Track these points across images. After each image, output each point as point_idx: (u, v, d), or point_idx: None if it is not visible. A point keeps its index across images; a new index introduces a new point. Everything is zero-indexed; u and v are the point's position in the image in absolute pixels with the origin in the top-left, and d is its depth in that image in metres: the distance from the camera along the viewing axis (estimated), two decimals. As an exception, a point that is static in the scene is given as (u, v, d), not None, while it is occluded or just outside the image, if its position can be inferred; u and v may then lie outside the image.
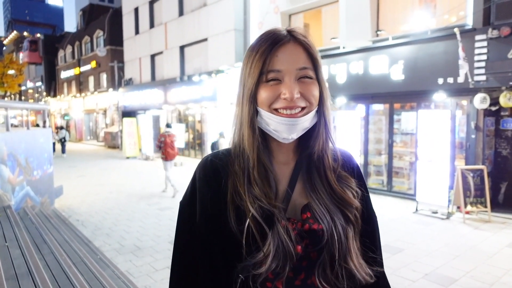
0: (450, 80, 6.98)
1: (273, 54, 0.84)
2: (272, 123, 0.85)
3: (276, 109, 0.84)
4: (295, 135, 0.85)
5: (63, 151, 18.53)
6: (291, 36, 0.86)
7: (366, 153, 8.87)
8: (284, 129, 0.84)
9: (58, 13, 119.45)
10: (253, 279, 0.79)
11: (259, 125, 0.87)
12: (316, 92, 0.86)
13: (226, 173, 0.87)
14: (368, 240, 0.94)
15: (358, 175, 0.98)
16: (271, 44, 0.85)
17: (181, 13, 16.64)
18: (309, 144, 0.91)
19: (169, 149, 8.88)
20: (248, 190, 0.83)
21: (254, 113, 0.87)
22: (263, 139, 0.89)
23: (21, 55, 38.89)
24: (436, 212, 6.75)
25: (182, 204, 0.93)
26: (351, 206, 0.90)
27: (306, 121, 0.86)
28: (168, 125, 9.73)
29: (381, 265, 0.96)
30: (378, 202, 7.60)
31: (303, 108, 0.84)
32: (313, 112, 0.87)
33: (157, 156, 16.51)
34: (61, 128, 20.38)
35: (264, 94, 0.84)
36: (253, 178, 0.85)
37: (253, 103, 0.86)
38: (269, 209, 0.81)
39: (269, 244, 0.79)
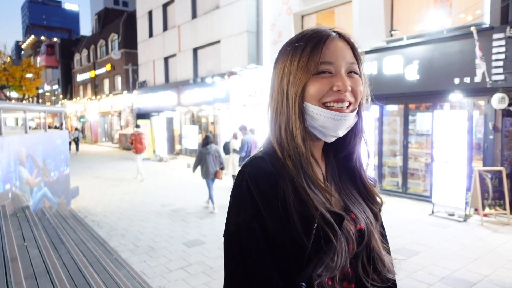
0: (467, 80, 6.85)
1: (325, 47, 0.83)
2: (320, 119, 0.82)
3: (324, 103, 0.82)
4: (341, 132, 0.84)
5: (77, 149, 21.56)
6: (337, 33, 0.87)
7: (380, 154, 8.77)
8: (332, 125, 0.82)
9: (74, 17, 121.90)
10: (319, 283, 0.78)
11: (306, 123, 0.85)
12: (361, 89, 0.86)
13: (280, 174, 0.81)
14: (383, 238, 0.99)
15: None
16: (321, 37, 0.84)
17: (194, 15, 16.77)
18: (347, 144, 0.92)
19: (138, 145, 11.15)
20: (309, 189, 0.80)
21: (304, 109, 0.84)
22: None
23: (38, 59, 39.85)
24: (453, 215, 6.62)
25: (247, 221, 0.78)
26: (377, 201, 0.94)
27: (351, 119, 0.85)
28: (137, 126, 12.78)
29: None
30: (393, 204, 7.50)
31: (349, 104, 0.83)
32: (355, 110, 0.86)
33: (171, 158, 16.71)
34: (76, 129, 23.39)
35: (315, 87, 0.82)
36: (311, 176, 0.83)
37: (301, 98, 0.83)
38: (335, 211, 0.81)
39: (337, 249, 0.79)
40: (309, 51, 0.83)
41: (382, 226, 1.00)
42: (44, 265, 3.47)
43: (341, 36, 0.87)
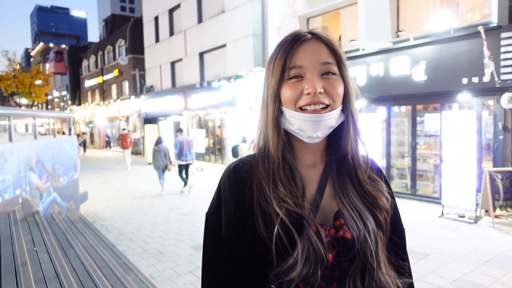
0: (475, 79, 6.78)
1: (295, 51, 0.83)
2: (296, 122, 0.83)
3: (301, 108, 0.82)
4: (320, 133, 0.83)
5: (84, 150, 24.25)
6: (313, 34, 0.85)
7: (388, 156, 8.71)
8: (309, 126, 0.81)
9: (81, 24, 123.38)
10: (286, 286, 0.76)
11: (283, 126, 0.86)
12: (340, 90, 0.84)
13: (251, 177, 0.85)
14: (397, 249, 0.90)
15: (385, 181, 0.95)
16: (291, 42, 0.84)
17: (200, 20, 16.88)
18: (339, 145, 0.88)
19: (124, 142, 15.18)
20: (273, 191, 0.81)
21: (278, 113, 0.85)
22: (288, 141, 0.87)
23: (47, 65, 40.36)
24: (463, 216, 6.53)
25: (208, 215, 0.91)
26: (382, 209, 0.87)
27: (331, 119, 0.83)
28: (124, 129, 18.31)
29: (411, 276, 0.93)
30: (402, 206, 7.43)
31: (326, 106, 0.82)
32: (337, 110, 0.84)
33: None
34: (83, 133, 26.72)
35: (287, 93, 0.83)
36: (278, 178, 0.83)
37: (277, 103, 0.85)
38: (299, 213, 0.79)
39: (299, 249, 0.76)
40: (280, 57, 0.84)
41: (393, 238, 0.90)
42: (54, 270, 3.49)
43: (318, 37, 0.85)
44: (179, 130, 10.08)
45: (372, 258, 0.80)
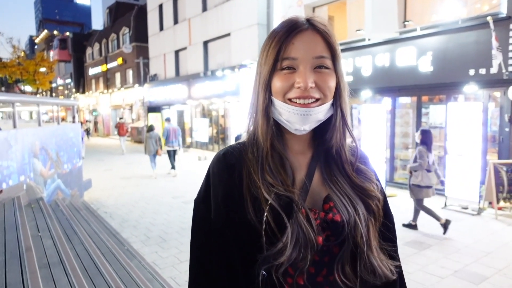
0: (482, 71, 6.69)
1: (289, 41, 0.81)
2: (285, 113, 0.83)
3: (290, 99, 0.82)
4: (307, 127, 0.83)
5: (88, 137, 25.77)
6: (310, 24, 0.83)
7: (392, 147, 8.67)
8: (297, 119, 0.81)
9: (85, 11, 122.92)
10: (275, 270, 0.76)
11: (273, 116, 0.85)
12: (332, 84, 0.83)
13: (240, 163, 0.85)
14: (388, 232, 0.91)
15: (376, 177, 0.94)
16: (287, 31, 0.82)
17: (204, 8, 16.72)
18: (325, 138, 0.88)
19: (120, 130, 17.27)
20: (262, 178, 0.81)
21: (268, 102, 0.85)
22: (277, 129, 0.87)
23: (51, 53, 40.28)
24: (466, 208, 6.52)
25: (197, 201, 0.91)
26: (373, 198, 0.87)
27: (320, 113, 0.82)
28: (121, 118, 20.86)
29: (399, 262, 0.93)
30: (405, 197, 7.42)
31: (317, 100, 0.81)
32: (327, 104, 0.83)
33: (182, 151, 16.82)
34: (87, 121, 29.23)
35: (278, 83, 0.82)
36: (267, 166, 0.83)
37: (267, 92, 0.85)
38: (288, 196, 0.79)
39: (288, 233, 0.76)
40: (274, 46, 0.82)
41: (384, 222, 0.90)
42: (58, 255, 3.53)
43: (315, 27, 0.82)
44: (167, 119, 11.33)
45: (362, 242, 0.80)
